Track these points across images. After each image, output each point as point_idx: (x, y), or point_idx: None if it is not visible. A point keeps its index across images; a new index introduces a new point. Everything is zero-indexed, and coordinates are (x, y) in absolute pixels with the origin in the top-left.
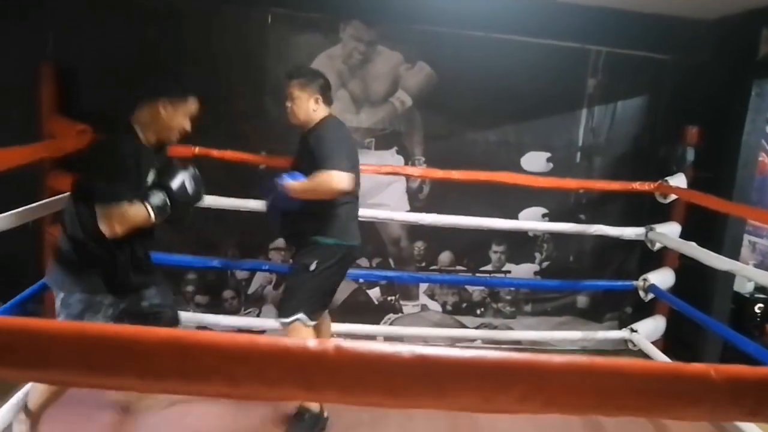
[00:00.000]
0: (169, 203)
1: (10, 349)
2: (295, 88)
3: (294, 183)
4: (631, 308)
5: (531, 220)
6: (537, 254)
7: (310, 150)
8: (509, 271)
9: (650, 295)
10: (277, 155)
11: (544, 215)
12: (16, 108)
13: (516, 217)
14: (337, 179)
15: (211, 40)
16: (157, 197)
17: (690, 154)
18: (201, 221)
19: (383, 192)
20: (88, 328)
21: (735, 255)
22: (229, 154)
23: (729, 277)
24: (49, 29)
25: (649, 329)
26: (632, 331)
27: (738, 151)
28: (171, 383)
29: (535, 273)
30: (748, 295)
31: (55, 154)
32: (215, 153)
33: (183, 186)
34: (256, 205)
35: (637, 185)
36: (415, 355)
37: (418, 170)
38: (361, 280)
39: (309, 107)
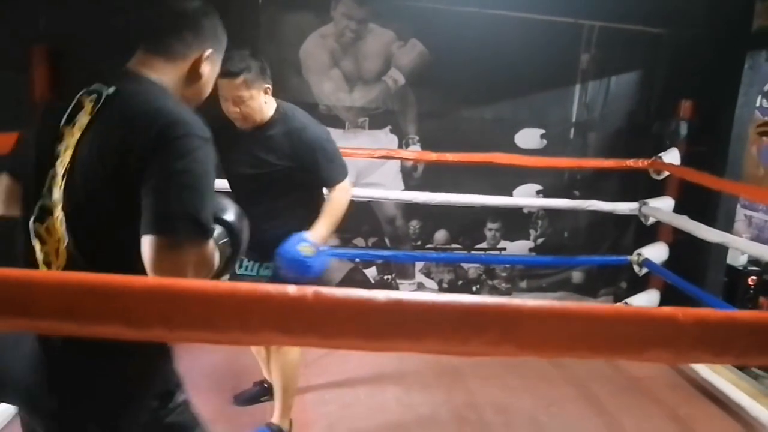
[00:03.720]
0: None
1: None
2: (242, 89)
3: (314, 236)
4: (625, 283)
5: (525, 197)
6: (532, 231)
7: (288, 156)
8: (504, 248)
9: (644, 270)
10: None
11: (538, 192)
12: (7, 92)
13: (510, 194)
14: (349, 190)
15: None
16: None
17: (683, 128)
18: None
19: (377, 171)
20: (72, 277)
21: (728, 228)
22: None
23: (722, 250)
24: (40, 11)
25: (643, 303)
26: (626, 305)
27: (731, 125)
28: (155, 331)
29: (530, 250)
30: (741, 268)
31: None
32: None
33: (240, 217)
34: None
35: (630, 162)
36: (390, 299)
37: (412, 154)
38: (357, 260)
39: (261, 102)
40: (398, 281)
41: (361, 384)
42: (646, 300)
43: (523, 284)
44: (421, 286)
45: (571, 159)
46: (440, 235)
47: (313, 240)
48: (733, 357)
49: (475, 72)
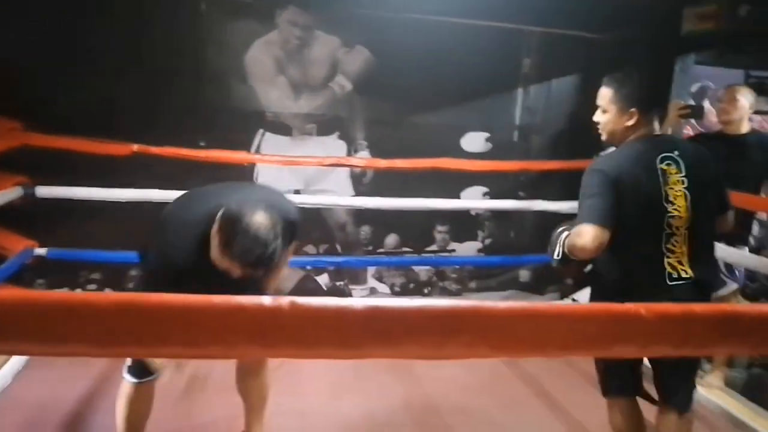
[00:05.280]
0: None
1: None
2: None
3: None
4: (571, 279)
5: (473, 200)
6: (480, 232)
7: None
8: (454, 250)
9: (589, 266)
10: (218, 147)
11: (485, 194)
12: None
13: (458, 197)
14: None
15: (145, 29)
16: None
17: None
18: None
19: (327, 178)
20: (39, 296)
21: None
22: (168, 151)
23: None
24: None
25: (588, 298)
26: (573, 300)
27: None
28: (127, 348)
29: (479, 250)
30: None
31: None
32: (154, 150)
33: None
34: None
35: (572, 164)
36: (368, 307)
37: (361, 161)
38: (308, 267)
39: None
40: (351, 287)
41: (318, 393)
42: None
43: (473, 284)
44: (373, 291)
45: (518, 162)
46: (391, 239)
47: None
48: (692, 348)
49: (421, 78)
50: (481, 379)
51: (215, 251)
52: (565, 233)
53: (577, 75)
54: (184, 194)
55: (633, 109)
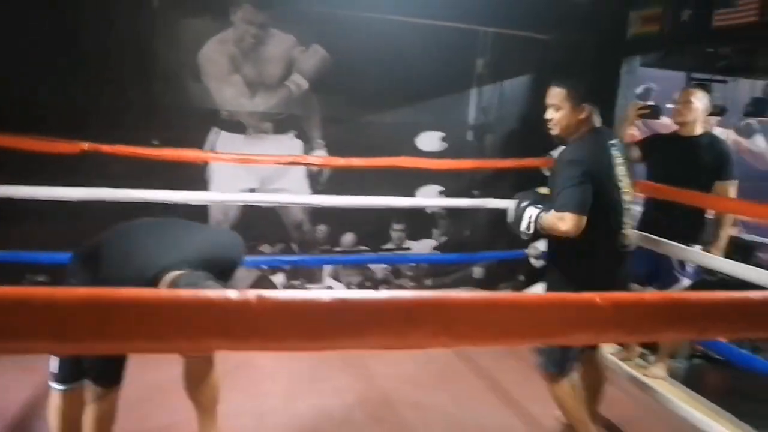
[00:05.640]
0: None
1: None
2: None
3: None
4: (523, 276)
5: (428, 198)
6: (435, 230)
7: None
8: (409, 248)
9: (540, 262)
10: (171, 146)
11: (440, 192)
12: None
13: (414, 196)
14: None
15: (94, 24)
16: None
17: None
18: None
19: (283, 177)
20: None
21: None
22: (121, 149)
23: None
24: None
25: (538, 292)
26: None
27: (612, 124)
28: (89, 343)
29: (434, 248)
30: None
31: None
32: (106, 148)
33: None
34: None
35: (524, 162)
36: (334, 299)
37: (319, 159)
38: (264, 267)
39: None
40: (307, 286)
41: (275, 394)
42: (542, 289)
43: (429, 282)
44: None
45: (472, 161)
46: (347, 238)
47: None
48: (643, 334)
49: (377, 77)
50: (435, 375)
51: None
52: (535, 210)
53: (528, 75)
54: (115, 234)
55: (584, 105)
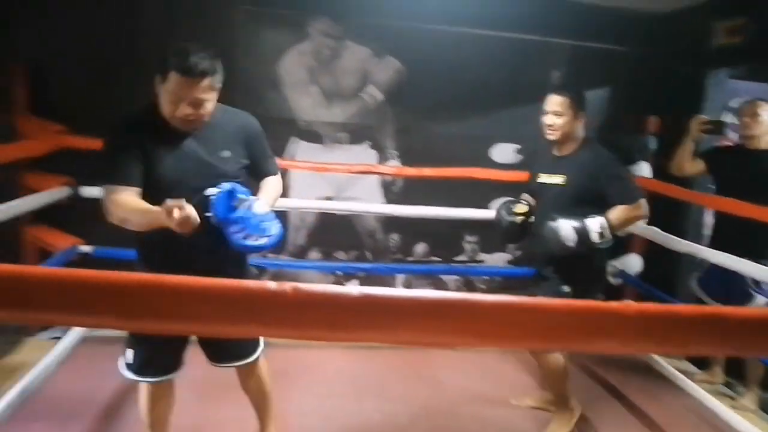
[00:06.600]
0: None
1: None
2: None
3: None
4: (602, 294)
5: None
6: (509, 244)
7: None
8: (483, 261)
9: (619, 280)
10: None
11: None
12: None
13: (487, 208)
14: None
15: (180, 37)
16: None
17: (652, 143)
18: None
19: (357, 185)
20: (69, 273)
21: (697, 239)
22: None
23: (695, 260)
24: (19, 28)
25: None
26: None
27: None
28: (145, 322)
29: (508, 262)
30: None
31: (31, 154)
32: None
33: None
34: None
35: None
36: (362, 294)
37: (390, 168)
38: (338, 273)
39: None
40: None
41: (341, 395)
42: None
43: None
44: None
45: None
46: (420, 248)
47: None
48: (673, 347)
49: (451, 88)
50: (505, 390)
51: (163, 90)
52: (596, 219)
53: (605, 88)
54: None
55: (582, 113)
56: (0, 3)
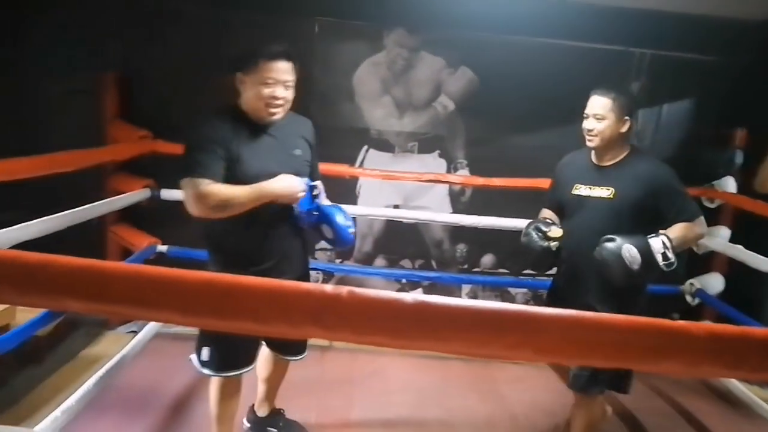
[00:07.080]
0: None
1: (76, 286)
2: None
3: None
4: (677, 314)
5: None
6: None
7: None
8: (553, 274)
9: (697, 300)
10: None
11: None
12: (81, 114)
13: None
14: None
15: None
16: None
17: (739, 157)
18: None
19: (426, 194)
20: (140, 270)
21: None
22: None
23: None
24: (114, 38)
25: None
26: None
27: None
28: (207, 319)
29: None
30: None
31: (118, 157)
32: None
33: None
34: None
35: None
36: (416, 302)
37: (458, 178)
38: (404, 281)
39: None
40: None
41: (403, 405)
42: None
43: None
44: None
45: None
46: (487, 259)
47: None
48: (745, 371)
49: (523, 99)
50: (564, 405)
51: (245, 80)
52: (659, 238)
53: (689, 99)
54: None
55: (626, 118)
56: (97, 19)
